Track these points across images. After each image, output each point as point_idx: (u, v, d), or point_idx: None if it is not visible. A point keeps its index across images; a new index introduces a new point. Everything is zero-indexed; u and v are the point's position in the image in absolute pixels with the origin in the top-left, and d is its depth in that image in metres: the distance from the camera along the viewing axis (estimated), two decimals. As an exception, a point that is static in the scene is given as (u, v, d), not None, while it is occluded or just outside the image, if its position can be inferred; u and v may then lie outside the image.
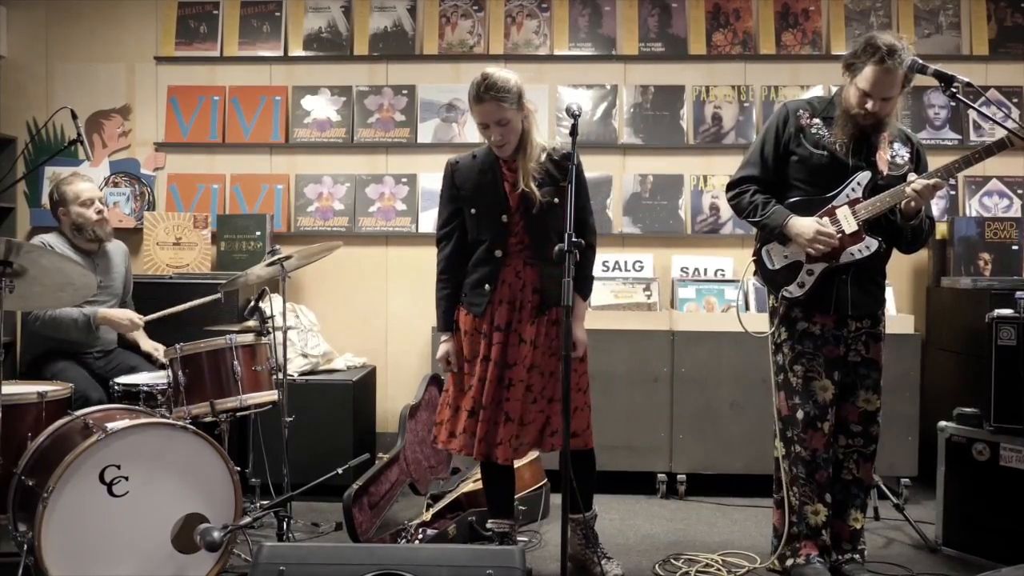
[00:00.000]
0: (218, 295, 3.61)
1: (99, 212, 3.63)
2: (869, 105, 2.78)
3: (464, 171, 2.93)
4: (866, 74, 2.75)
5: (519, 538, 3.23)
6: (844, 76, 2.87)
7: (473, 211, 2.90)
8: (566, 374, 2.41)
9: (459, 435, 2.91)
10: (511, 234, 2.87)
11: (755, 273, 3.11)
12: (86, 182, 3.69)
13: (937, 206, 4.46)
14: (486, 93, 2.77)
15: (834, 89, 3.05)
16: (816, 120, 2.94)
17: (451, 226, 2.96)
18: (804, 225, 2.87)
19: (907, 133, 3.03)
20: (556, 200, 2.87)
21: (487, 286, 2.88)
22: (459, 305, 2.96)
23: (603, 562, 2.99)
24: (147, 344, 3.73)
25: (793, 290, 2.93)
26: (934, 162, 2.89)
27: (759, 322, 3.16)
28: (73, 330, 3.51)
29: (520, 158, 2.84)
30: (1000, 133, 2.78)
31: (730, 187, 3.06)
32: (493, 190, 2.87)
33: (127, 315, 3.61)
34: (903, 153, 2.95)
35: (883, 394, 3.00)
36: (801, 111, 2.97)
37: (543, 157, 2.88)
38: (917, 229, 2.90)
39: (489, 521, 3.07)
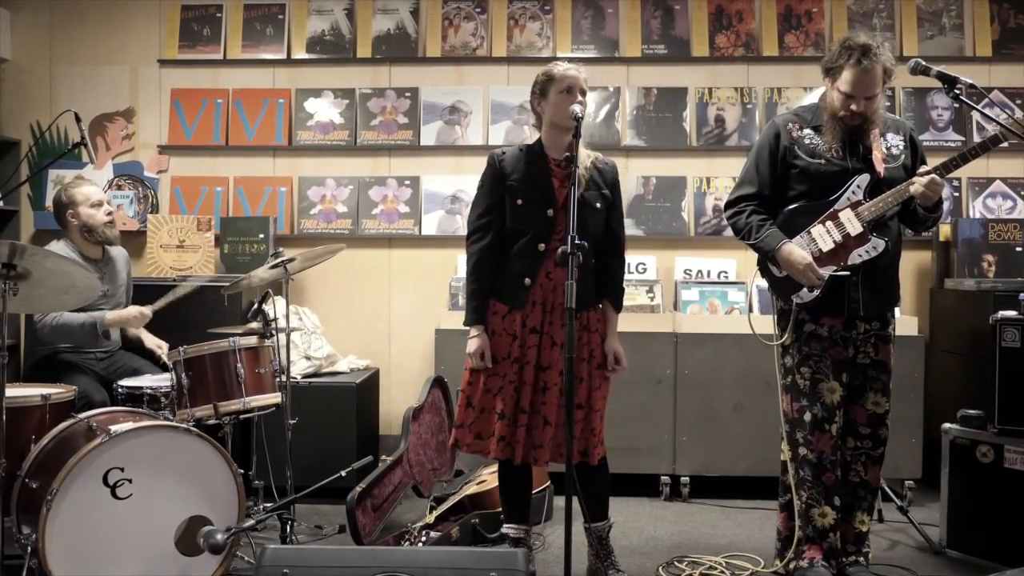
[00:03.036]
0: (214, 279, 3.58)
1: (109, 214, 3.66)
2: (854, 107, 2.81)
3: (511, 161, 2.93)
4: (846, 77, 2.79)
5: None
6: (825, 81, 2.90)
7: (519, 202, 2.88)
8: (569, 376, 2.38)
9: (487, 438, 2.87)
10: (554, 231, 2.86)
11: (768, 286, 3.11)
12: (92, 185, 3.72)
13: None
14: (573, 63, 2.93)
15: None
16: (807, 131, 2.96)
17: (489, 218, 2.92)
18: (797, 257, 2.87)
19: (898, 122, 3.04)
20: (598, 205, 2.90)
21: (527, 280, 2.86)
22: (490, 301, 2.92)
23: (611, 574, 2.97)
24: (151, 341, 3.75)
25: (804, 295, 2.91)
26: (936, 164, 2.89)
27: (763, 325, 3.15)
28: (80, 334, 3.51)
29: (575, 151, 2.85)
30: (1000, 127, 2.78)
31: (728, 206, 3.08)
32: (541, 183, 2.87)
33: (135, 310, 3.60)
34: (897, 143, 2.96)
35: (890, 397, 2.99)
36: (790, 124, 2.98)
37: (589, 161, 2.91)
38: (937, 217, 2.94)
39: (505, 525, 3.05)
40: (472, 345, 2.90)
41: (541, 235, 2.86)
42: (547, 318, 2.86)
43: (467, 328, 2.93)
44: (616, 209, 2.99)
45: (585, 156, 2.91)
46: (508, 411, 2.85)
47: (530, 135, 4.58)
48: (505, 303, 2.89)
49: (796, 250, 2.88)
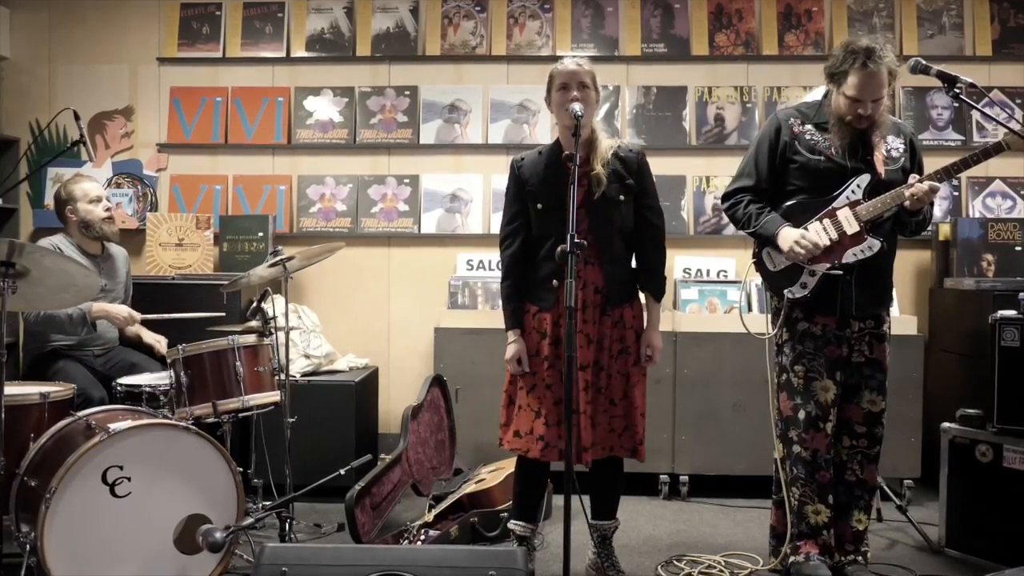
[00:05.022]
0: (221, 314, 3.63)
1: (107, 210, 3.68)
2: (862, 110, 2.80)
3: (529, 166, 2.94)
4: (852, 81, 2.77)
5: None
6: (829, 86, 2.89)
7: (540, 206, 2.89)
8: (568, 375, 2.38)
9: (525, 435, 2.87)
10: (576, 230, 2.85)
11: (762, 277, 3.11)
12: (92, 181, 3.75)
13: (940, 207, 4.46)
14: (572, 59, 2.90)
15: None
16: (808, 127, 2.95)
17: (515, 224, 2.95)
18: (789, 235, 2.87)
19: (899, 125, 3.04)
20: (622, 198, 2.88)
21: (555, 281, 2.86)
22: (524, 303, 2.94)
23: (611, 574, 2.97)
24: (149, 336, 3.75)
25: (795, 291, 2.92)
26: (937, 163, 2.89)
27: (760, 323, 3.16)
28: (68, 326, 3.51)
29: (592, 152, 2.85)
30: (1004, 133, 2.77)
31: (725, 198, 3.08)
32: (559, 184, 2.85)
33: (126, 310, 3.61)
34: (897, 146, 2.96)
35: (886, 395, 3.00)
36: (792, 120, 2.98)
37: (610, 154, 2.89)
38: (920, 222, 2.93)
39: (512, 521, 3.04)
40: (509, 351, 2.92)
41: (564, 236, 2.84)
42: (580, 316, 2.84)
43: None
44: (647, 195, 2.95)
45: (606, 148, 2.88)
46: (546, 410, 2.85)
47: (529, 134, 4.61)
48: (535, 304, 2.91)
49: (790, 230, 2.88)
